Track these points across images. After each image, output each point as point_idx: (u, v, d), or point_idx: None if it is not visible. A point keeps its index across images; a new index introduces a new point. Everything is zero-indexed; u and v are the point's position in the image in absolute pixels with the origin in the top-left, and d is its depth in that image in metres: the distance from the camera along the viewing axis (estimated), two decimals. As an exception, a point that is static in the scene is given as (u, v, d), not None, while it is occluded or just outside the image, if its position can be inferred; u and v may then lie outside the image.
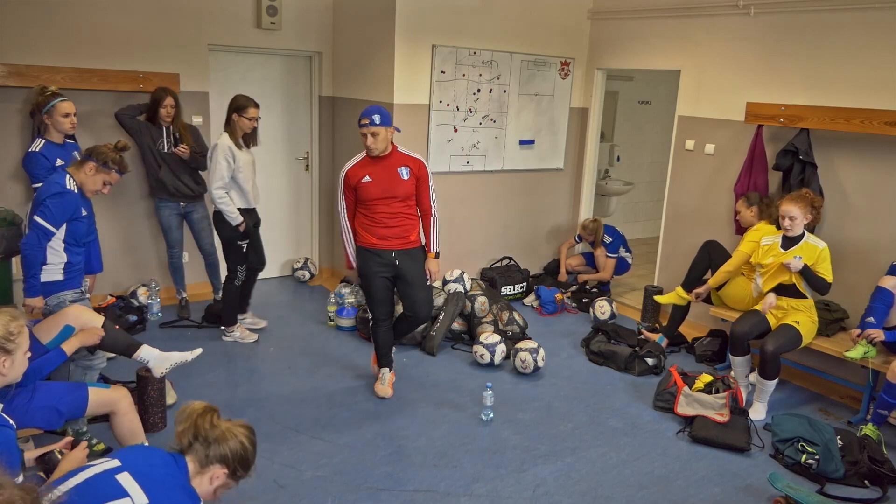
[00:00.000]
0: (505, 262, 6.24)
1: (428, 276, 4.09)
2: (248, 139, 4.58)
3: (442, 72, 5.45)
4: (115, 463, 1.93)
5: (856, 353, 3.97)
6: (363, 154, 3.89)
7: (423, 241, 4.11)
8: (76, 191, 3.46)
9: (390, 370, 4.27)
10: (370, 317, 4.16)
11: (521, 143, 6.12)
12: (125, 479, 1.87)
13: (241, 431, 2.08)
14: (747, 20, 4.89)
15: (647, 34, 5.66)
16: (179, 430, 2.03)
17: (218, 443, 2.02)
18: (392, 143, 3.90)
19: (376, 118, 3.73)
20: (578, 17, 6.11)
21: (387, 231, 3.92)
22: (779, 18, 4.71)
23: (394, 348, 4.33)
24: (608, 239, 6.08)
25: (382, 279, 3.99)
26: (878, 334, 3.88)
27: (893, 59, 4.15)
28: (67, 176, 3.46)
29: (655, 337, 5.02)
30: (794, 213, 4.01)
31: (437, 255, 4.13)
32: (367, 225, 3.94)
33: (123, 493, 1.84)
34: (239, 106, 4.44)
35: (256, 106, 4.49)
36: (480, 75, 5.67)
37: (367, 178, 3.84)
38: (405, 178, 3.90)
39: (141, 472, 1.90)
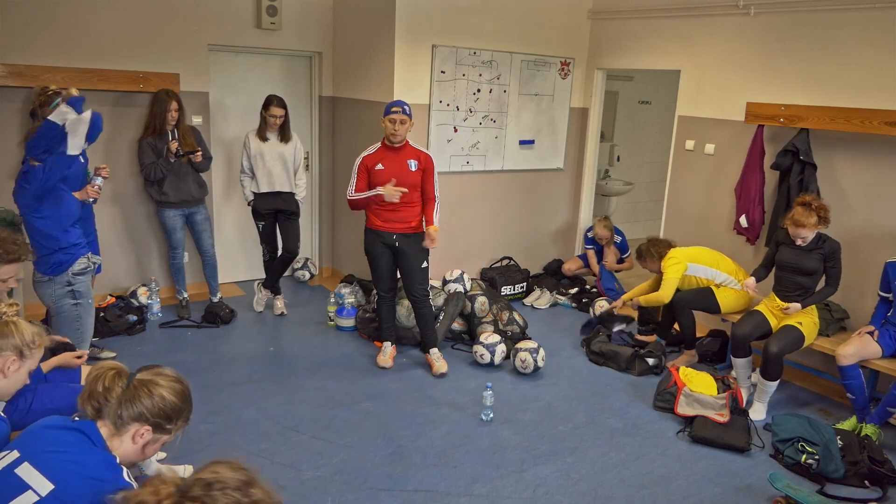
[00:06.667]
0: (505, 262, 6.24)
1: (429, 248, 4.41)
2: (281, 133, 5.14)
3: (442, 72, 5.44)
4: (15, 455, 1.79)
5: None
6: (378, 145, 4.34)
7: (424, 221, 4.43)
8: None
9: (391, 344, 4.69)
10: (375, 292, 4.62)
11: (521, 143, 6.12)
12: (25, 471, 1.75)
13: (163, 382, 1.93)
14: (747, 20, 4.89)
15: (647, 34, 5.66)
16: (81, 398, 1.91)
17: (130, 402, 1.88)
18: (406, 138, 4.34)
19: (407, 108, 4.21)
20: (578, 17, 6.11)
21: (391, 215, 4.31)
22: (779, 18, 4.71)
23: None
24: (618, 238, 6.10)
25: (385, 257, 4.42)
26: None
27: (893, 59, 4.15)
28: None
29: (651, 338, 5.01)
30: (806, 234, 3.99)
31: (436, 226, 4.44)
32: (374, 209, 4.32)
33: (24, 487, 1.72)
34: (264, 103, 5.06)
35: (278, 105, 5.03)
36: (480, 75, 5.67)
37: (379, 166, 4.26)
38: (413, 169, 4.30)
39: (42, 457, 1.78)
